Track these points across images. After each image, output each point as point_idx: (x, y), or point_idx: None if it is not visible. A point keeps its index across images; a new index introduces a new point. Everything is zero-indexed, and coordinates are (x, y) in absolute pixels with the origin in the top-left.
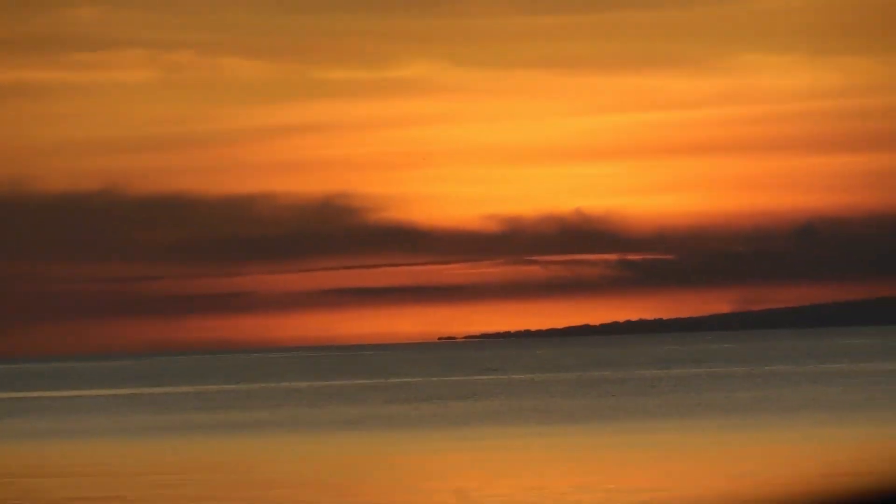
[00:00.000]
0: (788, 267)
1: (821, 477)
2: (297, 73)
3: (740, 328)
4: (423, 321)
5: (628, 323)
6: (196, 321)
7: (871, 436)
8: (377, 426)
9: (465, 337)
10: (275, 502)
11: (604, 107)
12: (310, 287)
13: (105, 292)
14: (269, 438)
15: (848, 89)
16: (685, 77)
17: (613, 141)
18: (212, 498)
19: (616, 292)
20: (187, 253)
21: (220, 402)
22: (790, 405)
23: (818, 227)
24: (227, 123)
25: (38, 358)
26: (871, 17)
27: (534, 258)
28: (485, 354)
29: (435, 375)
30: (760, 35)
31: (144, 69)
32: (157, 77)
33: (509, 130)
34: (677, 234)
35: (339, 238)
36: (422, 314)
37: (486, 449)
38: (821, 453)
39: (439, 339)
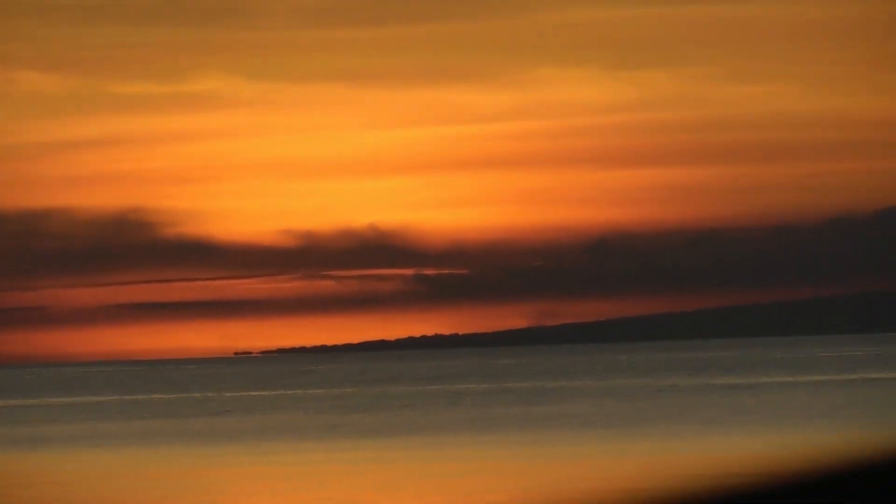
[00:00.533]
0: (582, 282)
1: (606, 490)
2: (93, 86)
3: (536, 343)
4: (220, 336)
5: (424, 338)
6: None
7: (654, 449)
8: (167, 440)
9: (262, 352)
10: None
11: (399, 120)
12: (105, 301)
13: None
14: (51, 453)
15: (642, 104)
16: (481, 90)
17: (409, 155)
18: None
19: (412, 307)
20: None
21: (7, 416)
22: (585, 420)
23: (611, 242)
24: (22, 137)
25: None
26: (665, 31)
27: (329, 273)
28: (281, 369)
29: (228, 391)
30: (557, 48)
31: None
32: None
33: (304, 144)
34: (473, 249)
35: (135, 253)
36: (218, 329)
37: (272, 464)
38: (612, 467)
39: (235, 353)
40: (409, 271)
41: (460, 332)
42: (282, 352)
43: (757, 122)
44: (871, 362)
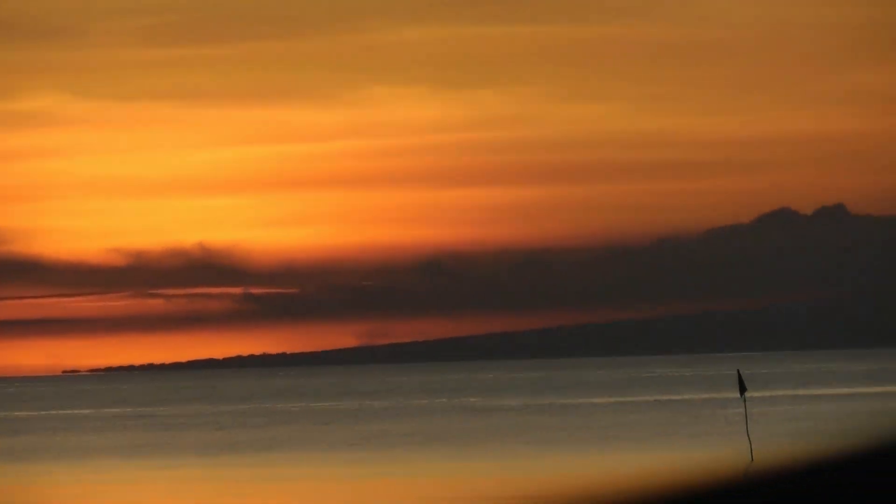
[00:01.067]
0: (415, 301)
1: None
2: None
3: (366, 362)
4: (47, 354)
5: (252, 357)
6: None
7: (480, 469)
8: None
9: (90, 370)
10: None
11: (230, 139)
12: None
13: None
14: None
15: (473, 123)
16: (312, 109)
17: (239, 174)
18: None
19: (240, 326)
20: None
21: None
22: (415, 438)
23: (442, 261)
24: None
25: None
26: (496, 51)
27: (158, 291)
28: (107, 387)
29: (52, 409)
30: (388, 68)
31: None
32: None
33: (134, 163)
34: (302, 268)
35: None
36: (46, 347)
37: (95, 482)
38: (437, 486)
39: (63, 372)
40: (238, 290)
41: (289, 351)
42: (110, 370)
43: (587, 142)
44: (696, 383)
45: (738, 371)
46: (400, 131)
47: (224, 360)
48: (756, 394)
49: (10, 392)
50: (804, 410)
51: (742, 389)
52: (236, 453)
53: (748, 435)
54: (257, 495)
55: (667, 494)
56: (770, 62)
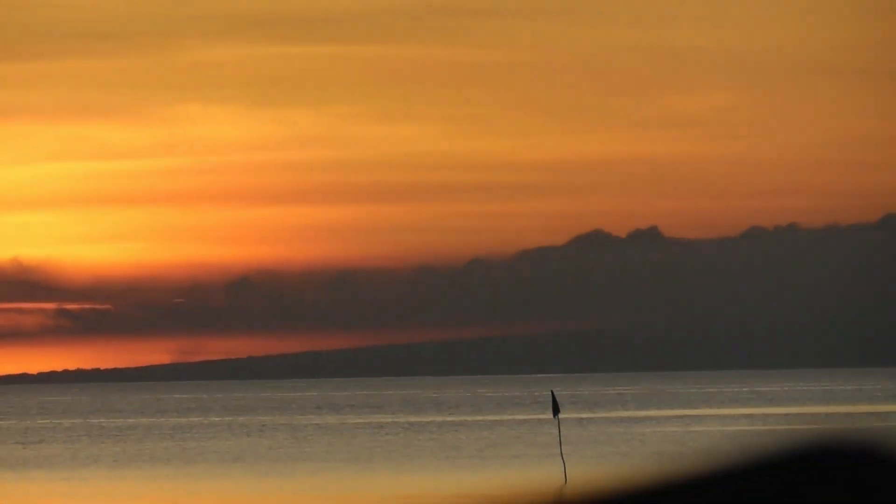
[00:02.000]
0: (225, 319)
1: None
2: None
3: (179, 379)
4: None
5: (66, 372)
6: None
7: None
8: None
9: None
10: None
11: (43, 155)
12: None
13: None
14: None
15: (286, 141)
16: (125, 126)
17: (51, 190)
18: None
19: (55, 341)
20: None
21: None
22: (233, 455)
23: (254, 280)
24: None
25: None
26: (310, 70)
27: None
28: None
29: None
30: (199, 86)
31: None
32: None
33: None
34: (116, 285)
35: None
36: None
37: None
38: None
39: None
40: (52, 305)
41: (102, 367)
42: None
43: (400, 163)
44: (508, 404)
45: (552, 392)
46: (212, 149)
47: (38, 375)
48: (571, 415)
49: None
50: (621, 433)
51: (556, 411)
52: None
53: (562, 457)
54: None
55: None
56: (583, 85)
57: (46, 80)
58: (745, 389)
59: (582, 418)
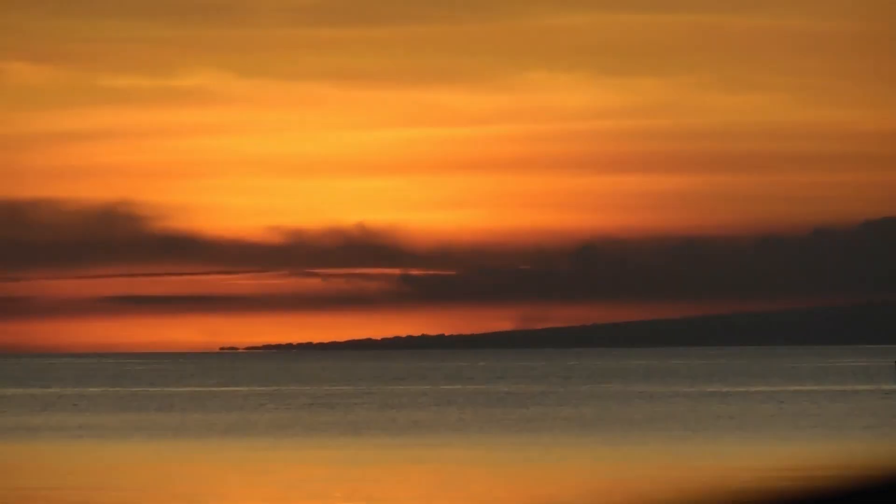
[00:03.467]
0: (569, 286)
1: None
2: (82, 79)
3: (521, 346)
4: (205, 331)
5: (410, 338)
6: None
7: (649, 454)
8: (154, 434)
9: (247, 348)
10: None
11: (390, 121)
12: (91, 294)
13: None
14: (55, 444)
15: (631, 110)
16: (472, 93)
17: (398, 155)
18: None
19: (398, 307)
20: None
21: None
22: (579, 423)
23: (597, 247)
24: (9, 128)
25: None
26: (656, 39)
27: (316, 271)
28: (268, 366)
29: (215, 386)
30: (547, 53)
31: None
32: None
33: (294, 142)
34: (460, 251)
35: (121, 246)
36: (204, 323)
37: (256, 460)
38: (607, 471)
39: (221, 349)
40: (396, 271)
41: (446, 333)
42: (267, 348)
43: (745, 132)
44: (856, 374)
45: None
46: (557, 117)
47: (381, 340)
48: None
49: (167, 368)
50: None
51: None
52: (403, 434)
53: None
54: (415, 479)
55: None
56: None
57: (396, 45)
58: None
59: None
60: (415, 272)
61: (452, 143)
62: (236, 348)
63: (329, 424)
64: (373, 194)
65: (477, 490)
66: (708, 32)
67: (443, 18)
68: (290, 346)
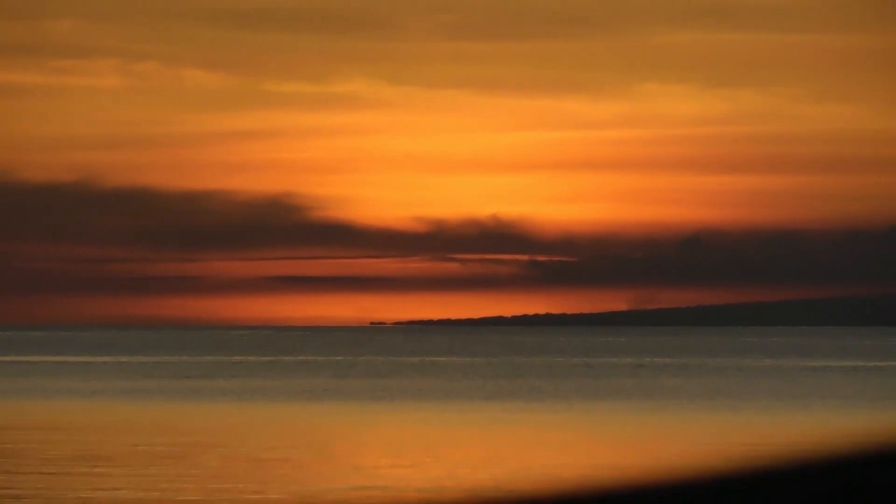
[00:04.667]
0: (676, 272)
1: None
2: (251, 85)
3: (635, 324)
4: (357, 307)
5: (536, 316)
6: (156, 300)
7: (751, 422)
8: (327, 397)
9: (394, 323)
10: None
11: (519, 125)
12: (257, 274)
13: (77, 272)
14: (231, 405)
15: (732, 118)
16: (593, 101)
17: (527, 155)
18: (183, 456)
19: (526, 288)
20: (151, 239)
21: (182, 371)
22: (704, 393)
23: (703, 238)
24: (187, 127)
25: (17, 327)
26: (755, 55)
27: (454, 256)
28: (412, 339)
29: (369, 355)
30: (658, 66)
31: (115, 76)
32: (126, 84)
33: (436, 143)
34: (580, 240)
35: (284, 232)
36: (355, 301)
37: (420, 423)
38: (715, 434)
39: (371, 323)
40: (525, 257)
41: (567, 312)
42: (411, 323)
43: (833, 138)
44: None
45: None
46: (667, 123)
47: (511, 318)
48: None
49: (327, 340)
50: None
51: None
52: (538, 401)
53: None
54: (551, 442)
55: None
56: None
57: (525, 58)
58: None
59: None
60: (540, 258)
61: (575, 145)
62: (384, 323)
63: (469, 390)
64: (505, 189)
65: (600, 449)
66: (804, 50)
67: (568, 35)
68: (430, 322)
